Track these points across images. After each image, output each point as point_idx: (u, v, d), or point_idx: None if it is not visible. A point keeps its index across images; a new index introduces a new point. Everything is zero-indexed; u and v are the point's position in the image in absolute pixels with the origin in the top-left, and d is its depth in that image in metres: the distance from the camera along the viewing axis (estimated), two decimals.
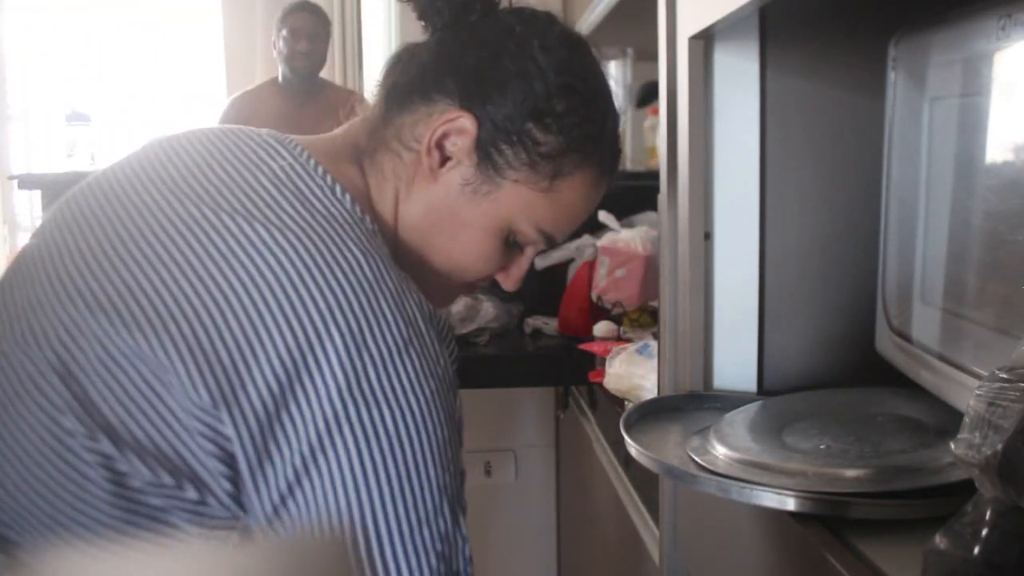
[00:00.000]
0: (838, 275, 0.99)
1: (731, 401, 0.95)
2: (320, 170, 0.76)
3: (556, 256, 2.07)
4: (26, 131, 4.03)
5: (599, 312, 1.92)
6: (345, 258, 0.69)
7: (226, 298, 0.66)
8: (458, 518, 0.71)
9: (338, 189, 0.75)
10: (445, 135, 0.79)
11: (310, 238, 0.69)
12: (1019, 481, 0.47)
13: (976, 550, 0.49)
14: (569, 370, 1.85)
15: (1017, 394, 0.48)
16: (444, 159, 0.80)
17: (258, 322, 0.66)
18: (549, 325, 2.04)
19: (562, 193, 0.82)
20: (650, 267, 1.86)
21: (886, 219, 0.91)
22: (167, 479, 0.66)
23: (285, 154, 0.76)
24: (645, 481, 1.30)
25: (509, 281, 0.88)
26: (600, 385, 1.55)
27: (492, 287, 0.96)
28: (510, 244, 0.84)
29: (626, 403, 1.42)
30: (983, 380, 0.51)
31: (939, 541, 0.52)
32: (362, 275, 0.69)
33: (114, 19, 4.16)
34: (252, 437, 0.65)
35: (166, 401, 0.66)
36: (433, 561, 0.68)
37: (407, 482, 0.67)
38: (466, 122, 0.79)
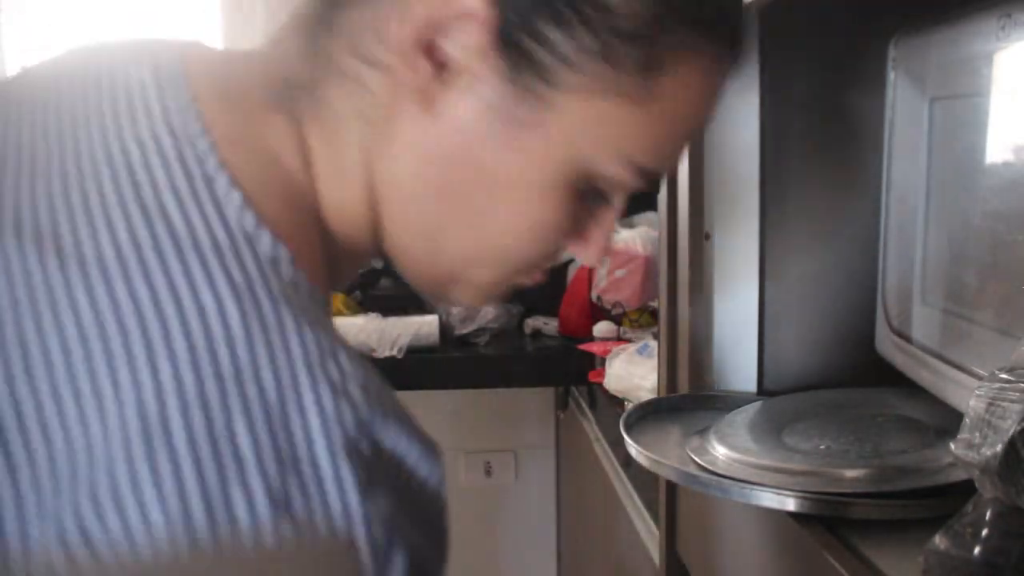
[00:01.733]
0: (838, 275, 0.99)
1: (731, 401, 0.95)
2: (203, 147, 0.44)
3: None
4: None
5: (599, 312, 1.92)
6: None
7: None
8: None
9: (221, 187, 0.43)
10: (438, 29, 0.46)
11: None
12: (1019, 481, 0.47)
13: (976, 550, 0.49)
14: (569, 370, 1.85)
15: (1017, 394, 0.48)
16: (442, 71, 0.47)
17: None
18: (549, 325, 2.04)
19: (662, 94, 0.48)
20: (650, 267, 1.85)
21: (886, 219, 0.91)
22: None
23: (159, 119, 0.45)
24: (645, 481, 1.30)
25: (592, 252, 0.56)
26: (600, 385, 1.55)
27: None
28: (582, 194, 0.51)
29: (626, 403, 1.42)
30: (983, 380, 0.51)
31: (939, 541, 0.52)
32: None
33: (114, 19, 4.16)
34: None
35: None
36: None
37: None
38: (471, 1, 0.45)
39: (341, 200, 0.51)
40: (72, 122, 0.46)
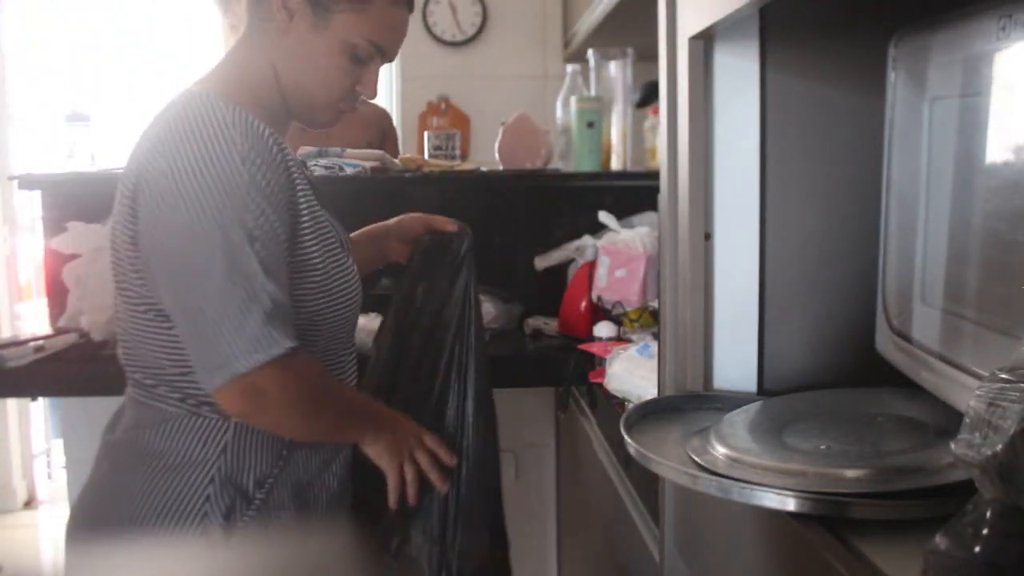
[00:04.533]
0: (838, 275, 0.99)
1: (731, 401, 0.95)
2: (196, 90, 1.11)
3: (556, 256, 2.07)
4: (26, 131, 4.03)
5: (599, 312, 1.92)
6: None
7: None
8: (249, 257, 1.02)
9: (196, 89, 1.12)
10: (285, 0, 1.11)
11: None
12: (1019, 481, 0.47)
13: (976, 550, 0.49)
14: (569, 370, 1.85)
15: (1017, 394, 0.48)
16: (291, 13, 1.11)
17: None
18: (549, 325, 2.04)
19: (375, 8, 1.12)
20: (650, 267, 1.86)
21: (886, 219, 0.91)
22: None
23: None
24: (645, 481, 1.30)
25: (368, 89, 1.18)
26: (600, 385, 1.54)
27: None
28: (357, 62, 1.14)
29: (626, 403, 1.42)
30: (983, 380, 0.51)
31: (939, 541, 0.52)
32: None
33: (114, 19, 4.16)
34: None
35: None
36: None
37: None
38: None
39: (264, 80, 1.14)
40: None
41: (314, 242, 1.10)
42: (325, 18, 1.10)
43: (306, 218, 1.10)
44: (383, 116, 3.30)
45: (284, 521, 1.13)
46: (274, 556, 1.13)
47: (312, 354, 1.13)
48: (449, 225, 1.38)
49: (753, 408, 0.90)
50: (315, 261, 1.11)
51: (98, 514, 1.14)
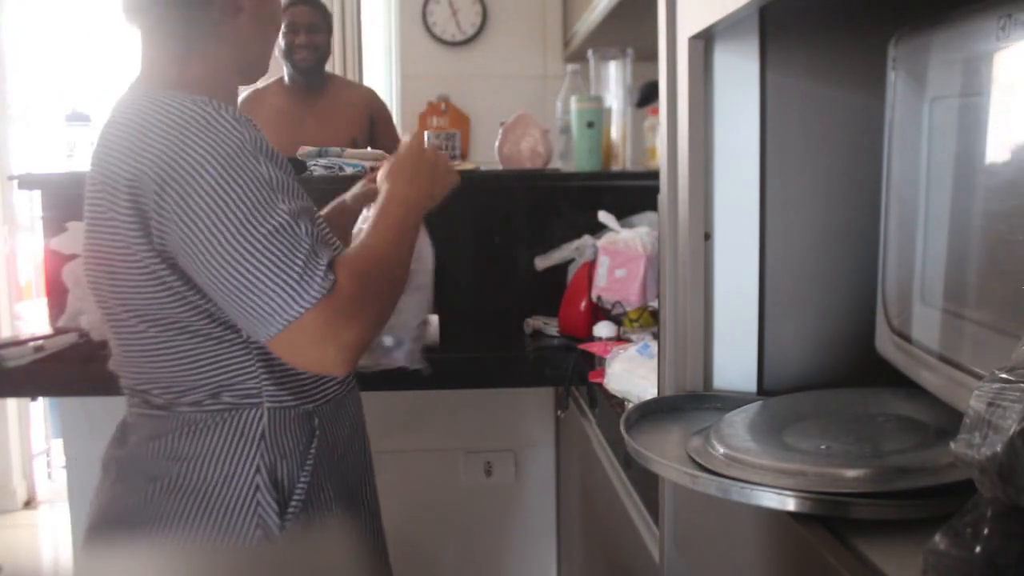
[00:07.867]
0: (838, 275, 0.99)
1: (731, 401, 0.95)
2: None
3: (556, 256, 2.07)
4: (26, 131, 4.03)
5: (599, 312, 1.92)
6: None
7: None
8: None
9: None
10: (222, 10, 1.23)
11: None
12: (1019, 481, 0.47)
13: (976, 550, 0.49)
14: (569, 370, 1.85)
15: (1017, 394, 0.48)
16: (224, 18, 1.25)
17: None
18: (549, 325, 2.04)
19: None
20: (650, 267, 1.86)
21: (886, 219, 0.91)
22: None
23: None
24: (645, 481, 1.30)
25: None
26: (600, 385, 1.55)
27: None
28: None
29: (626, 403, 1.42)
30: (983, 380, 0.51)
31: (939, 541, 0.52)
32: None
33: (114, 19, 4.17)
34: None
35: None
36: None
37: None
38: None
39: (228, 68, 1.27)
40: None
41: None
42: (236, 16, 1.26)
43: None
44: (370, 99, 3.14)
45: (326, 504, 1.18)
46: (325, 543, 1.17)
47: None
48: None
49: (753, 408, 0.90)
50: None
51: (132, 522, 1.14)
